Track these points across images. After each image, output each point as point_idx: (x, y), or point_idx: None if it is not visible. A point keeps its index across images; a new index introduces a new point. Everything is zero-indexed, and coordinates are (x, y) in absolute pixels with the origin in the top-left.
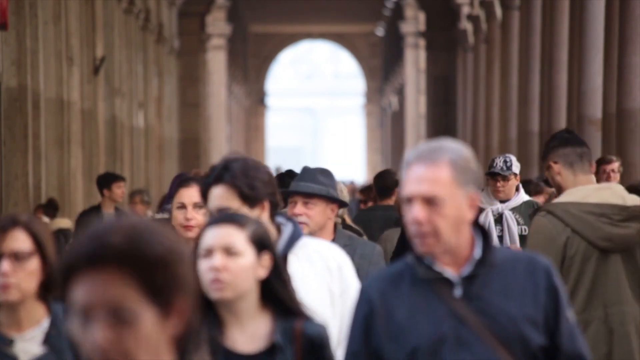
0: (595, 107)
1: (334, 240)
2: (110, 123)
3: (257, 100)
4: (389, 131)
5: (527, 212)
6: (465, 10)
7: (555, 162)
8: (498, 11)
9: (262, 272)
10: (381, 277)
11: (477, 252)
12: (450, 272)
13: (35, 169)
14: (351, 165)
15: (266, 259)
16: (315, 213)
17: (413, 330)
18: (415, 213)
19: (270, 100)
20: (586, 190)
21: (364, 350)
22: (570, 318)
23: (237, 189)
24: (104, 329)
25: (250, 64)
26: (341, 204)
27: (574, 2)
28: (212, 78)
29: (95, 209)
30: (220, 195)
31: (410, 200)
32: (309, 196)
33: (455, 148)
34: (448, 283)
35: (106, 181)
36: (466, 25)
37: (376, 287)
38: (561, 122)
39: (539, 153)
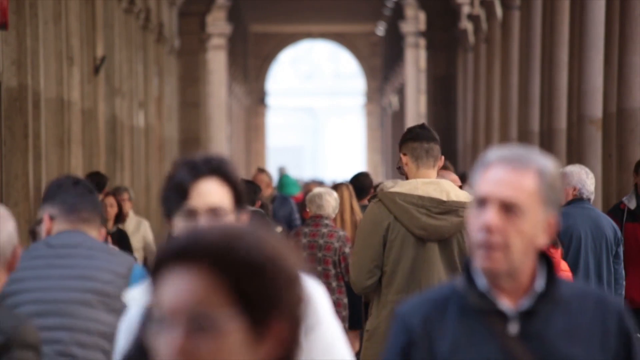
0: (595, 107)
1: None
2: (111, 123)
3: (257, 99)
4: (389, 131)
5: None
6: (466, 10)
7: (405, 154)
8: (498, 11)
9: None
10: (425, 302)
11: (540, 284)
12: (506, 303)
13: (35, 169)
14: (351, 164)
15: None
16: None
17: None
18: (488, 218)
19: (271, 100)
20: (416, 183)
21: None
22: None
23: (233, 186)
24: (182, 336)
25: (251, 64)
26: None
27: (574, 2)
28: (212, 78)
29: None
30: (215, 191)
31: (483, 202)
32: None
33: (544, 160)
34: (502, 316)
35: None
36: (466, 25)
37: (418, 314)
38: (561, 122)
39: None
